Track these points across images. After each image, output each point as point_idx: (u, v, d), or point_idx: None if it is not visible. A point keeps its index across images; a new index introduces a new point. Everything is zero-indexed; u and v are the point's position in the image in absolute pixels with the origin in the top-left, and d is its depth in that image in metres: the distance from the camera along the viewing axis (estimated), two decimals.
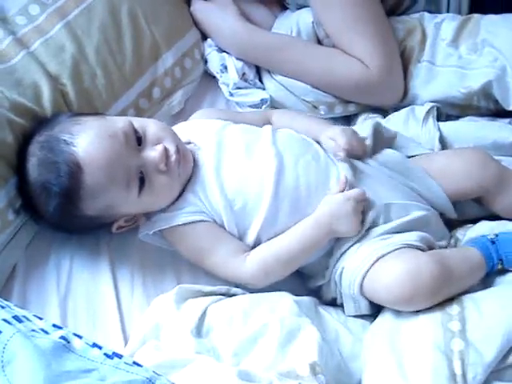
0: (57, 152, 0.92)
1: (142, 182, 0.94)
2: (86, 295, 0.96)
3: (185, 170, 0.97)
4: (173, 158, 0.95)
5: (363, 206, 0.97)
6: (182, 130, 1.05)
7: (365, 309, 0.95)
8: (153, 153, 0.94)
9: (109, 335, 0.91)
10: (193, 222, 0.96)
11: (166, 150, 0.95)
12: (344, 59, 1.20)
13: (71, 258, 0.99)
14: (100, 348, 0.69)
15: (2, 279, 0.95)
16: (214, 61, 1.27)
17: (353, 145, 1.01)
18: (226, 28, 1.26)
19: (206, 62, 1.29)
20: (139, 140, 0.95)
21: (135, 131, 0.95)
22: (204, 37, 1.30)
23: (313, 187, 0.98)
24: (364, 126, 1.14)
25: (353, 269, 0.94)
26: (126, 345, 0.89)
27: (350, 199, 0.95)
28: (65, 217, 0.95)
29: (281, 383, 0.79)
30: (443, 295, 0.91)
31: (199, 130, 1.04)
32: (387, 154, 1.07)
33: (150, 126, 0.98)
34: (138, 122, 0.97)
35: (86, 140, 0.92)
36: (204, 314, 0.90)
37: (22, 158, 0.96)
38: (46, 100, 1.03)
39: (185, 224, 0.96)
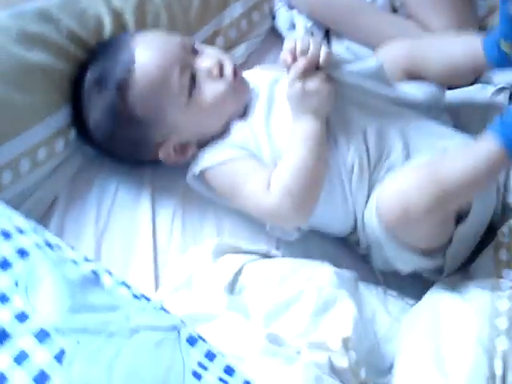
0: (114, 52, 0.93)
1: (193, 81, 0.92)
2: (124, 233, 0.94)
3: (242, 90, 0.95)
4: (228, 70, 0.94)
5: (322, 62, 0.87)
6: None
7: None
8: (207, 58, 0.94)
9: (140, 277, 0.89)
10: (234, 158, 0.92)
11: (221, 63, 0.94)
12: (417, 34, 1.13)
13: (113, 194, 0.98)
14: (129, 287, 0.66)
15: (42, 209, 0.94)
16: (283, 17, 1.23)
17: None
18: None
19: (273, 17, 1.24)
20: (196, 52, 0.95)
21: (193, 46, 0.95)
22: None
23: None
24: None
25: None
26: (156, 289, 0.87)
27: (293, 79, 0.87)
28: (114, 123, 0.92)
29: (310, 353, 0.76)
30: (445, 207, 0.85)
31: (253, 79, 1.00)
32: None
33: (208, 49, 0.97)
34: (198, 46, 0.97)
35: (144, 40, 0.94)
36: (240, 271, 0.86)
37: (79, 77, 0.95)
38: (105, 34, 1.00)
39: (226, 161, 0.92)
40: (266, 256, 0.92)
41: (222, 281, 0.84)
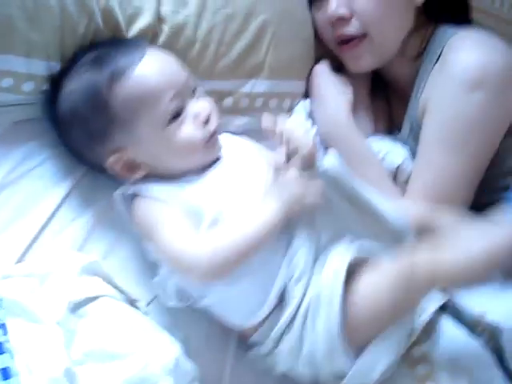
0: (127, 47, 0.94)
1: (177, 114, 0.91)
2: (22, 200, 0.94)
3: (209, 151, 0.95)
4: (211, 126, 0.94)
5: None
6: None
7: None
8: (202, 103, 0.94)
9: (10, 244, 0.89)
10: (173, 204, 0.89)
11: (210, 115, 0.94)
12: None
13: (39, 163, 0.97)
14: None
15: None
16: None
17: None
18: (331, 110, 1.21)
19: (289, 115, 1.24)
20: (194, 92, 0.95)
21: (195, 87, 0.96)
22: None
23: None
24: None
25: None
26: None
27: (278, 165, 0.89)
28: (86, 101, 0.90)
29: None
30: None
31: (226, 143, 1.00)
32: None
33: (204, 98, 0.97)
34: (200, 89, 0.97)
35: (158, 53, 0.95)
36: (95, 298, 0.82)
37: (83, 49, 0.95)
38: (135, 27, 1.00)
39: (165, 200, 0.90)
40: (131, 303, 0.88)
41: (71, 295, 0.80)
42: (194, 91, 0.95)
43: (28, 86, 0.94)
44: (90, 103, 0.91)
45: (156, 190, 0.91)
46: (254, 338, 0.94)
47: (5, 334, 0.63)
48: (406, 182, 1.15)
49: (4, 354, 0.61)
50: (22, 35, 0.90)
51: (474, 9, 1.32)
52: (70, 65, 0.95)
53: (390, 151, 1.16)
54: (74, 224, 0.96)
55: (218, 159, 0.97)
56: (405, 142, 1.21)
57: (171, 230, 0.87)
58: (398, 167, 1.16)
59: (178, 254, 0.85)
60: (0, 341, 0.61)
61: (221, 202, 0.91)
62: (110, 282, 0.87)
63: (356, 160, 1.15)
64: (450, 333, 1.00)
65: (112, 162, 0.92)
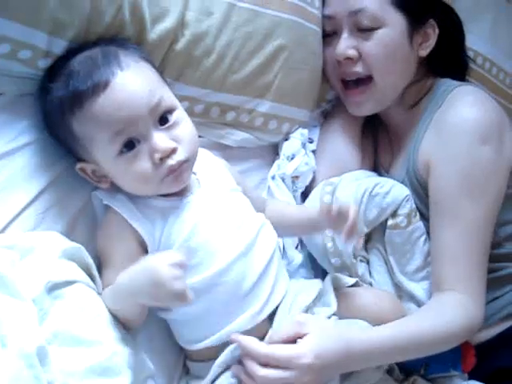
0: (104, 61, 0.89)
1: (130, 147, 0.88)
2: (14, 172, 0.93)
3: (168, 186, 0.91)
4: (172, 162, 0.89)
5: None
6: (203, 156, 1.01)
7: None
8: (163, 140, 0.88)
9: None
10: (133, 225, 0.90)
11: (174, 151, 0.89)
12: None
13: (32, 142, 0.96)
14: None
15: None
16: (291, 145, 1.26)
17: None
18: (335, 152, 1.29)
19: (286, 139, 1.27)
20: (164, 120, 0.90)
21: (168, 112, 0.90)
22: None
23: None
24: None
25: None
26: None
27: None
28: (58, 112, 0.90)
29: None
30: None
31: (212, 173, 1.01)
32: None
33: (183, 124, 0.92)
34: (180, 113, 0.93)
35: (130, 76, 0.88)
36: (72, 283, 0.83)
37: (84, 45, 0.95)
38: (159, 27, 1.02)
39: (127, 219, 0.91)
40: None
41: (50, 275, 0.81)
42: (162, 119, 0.90)
43: (44, 63, 0.94)
44: (58, 114, 0.91)
45: (128, 208, 0.92)
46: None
47: None
48: (407, 215, 1.18)
49: None
50: (50, 13, 0.91)
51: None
52: (62, 61, 0.93)
53: (395, 185, 1.19)
54: (59, 206, 0.96)
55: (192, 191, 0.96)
56: (401, 182, 1.24)
57: (109, 270, 0.90)
58: (404, 199, 1.18)
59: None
60: None
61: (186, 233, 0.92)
62: (88, 270, 0.88)
63: None
64: None
65: (79, 168, 0.94)
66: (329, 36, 1.27)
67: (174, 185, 0.91)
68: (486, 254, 1.11)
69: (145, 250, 0.91)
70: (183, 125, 0.92)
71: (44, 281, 0.80)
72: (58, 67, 0.93)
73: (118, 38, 0.97)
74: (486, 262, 1.11)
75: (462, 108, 1.16)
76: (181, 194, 0.94)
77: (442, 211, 1.12)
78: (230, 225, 0.96)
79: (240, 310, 0.93)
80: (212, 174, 1.01)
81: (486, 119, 1.14)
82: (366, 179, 1.22)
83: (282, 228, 1.07)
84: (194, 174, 0.98)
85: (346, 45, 1.22)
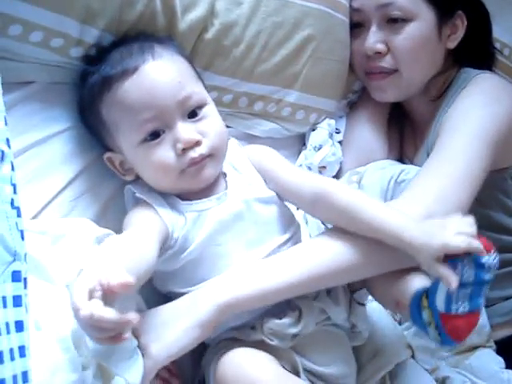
0: (139, 51, 0.90)
1: (155, 135, 0.87)
2: (49, 159, 0.94)
3: (187, 180, 0.89)
4: (194, 154, 0.87)
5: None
6: (236, 150, 0.99)
7: None
8: (188, 131, 0.87)
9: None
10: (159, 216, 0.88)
11: (198, 143, 0.88)
12: None
13: (67, 129, 0.97)
14: None
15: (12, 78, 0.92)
16: (318, 135, 1.26)
17: None
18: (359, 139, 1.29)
19: (313, 130, 1.27)
20: (192, 114, 0.89)
21: (198, 107, 0.90)
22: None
23: None
24: None
25: None
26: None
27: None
28: (90, 97, 0.92)
29: None
30: None
31: (242, 178, 0.95)
32: None
33: (211, 119, 0.91)
34: (210, 109, 0.92)
35: (161, 66, 0.89)
36: None
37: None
38: (190, 16, 1.02)
39: (156, 211, 0.89)
40: None
41: (84, 261, 0.81)
42: (192, 113, 0.89)
43: (76, 51, 0.95)
44: (90, 100, 0.92)
45: (154, 199, 0.90)
46: None
47: (25, 287, 0.65)
48: None
49: (20, 308, 0.62)
50: (83, 1, 0.92)
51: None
52: (102, 53, 0.94)
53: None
54: (90, 194, 0.97)
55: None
56: None
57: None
58: None
59: None
60: (20, 294, 0.62)
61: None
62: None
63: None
64: None
65: (107, 158, 0.95)
66: (356, 27, 1.27)
67: (193, 180, 0.90)
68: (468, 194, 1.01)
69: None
70: (211, 119, 0.91)
71: (78, 267, 0.81)
72: (97, 58, 0.94)
73: (159, 36, 0.97)
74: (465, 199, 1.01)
75: (477, 87, 1.16)
76: (205, 195, 0.92)
77: (436, 151, 1.07)
78: (245, 244, 0.91)
79: None
80: (242, 179, 0.95)
81: (505, 99, 1.13)
82: (391, 166, 1.21)
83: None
84: (224, 175, 0.95)
85: (375, 38, 1.22)
